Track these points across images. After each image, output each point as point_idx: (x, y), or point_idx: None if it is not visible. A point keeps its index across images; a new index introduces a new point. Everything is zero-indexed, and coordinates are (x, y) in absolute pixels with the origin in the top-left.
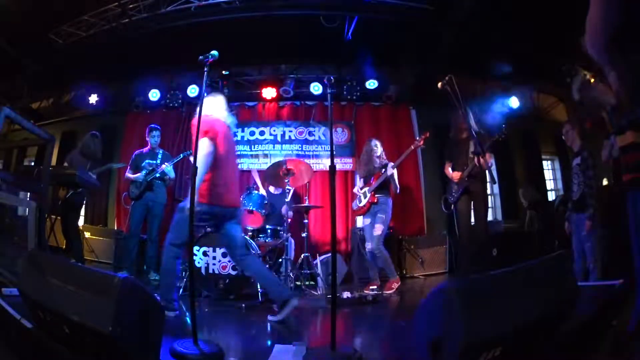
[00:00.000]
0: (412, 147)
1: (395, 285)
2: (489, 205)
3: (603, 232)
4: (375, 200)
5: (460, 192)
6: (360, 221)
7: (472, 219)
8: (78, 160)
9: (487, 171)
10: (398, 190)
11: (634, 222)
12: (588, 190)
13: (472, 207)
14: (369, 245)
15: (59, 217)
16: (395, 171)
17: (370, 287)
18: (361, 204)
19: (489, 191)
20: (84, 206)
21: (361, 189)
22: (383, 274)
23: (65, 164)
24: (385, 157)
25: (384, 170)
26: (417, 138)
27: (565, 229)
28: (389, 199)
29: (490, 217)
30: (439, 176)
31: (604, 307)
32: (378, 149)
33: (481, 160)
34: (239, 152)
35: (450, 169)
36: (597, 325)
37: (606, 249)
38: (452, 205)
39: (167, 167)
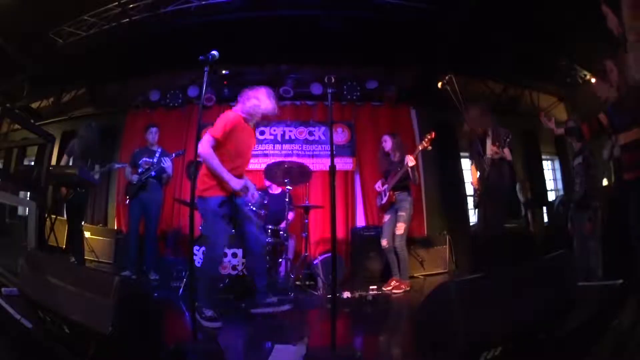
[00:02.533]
0: (420, 147)
1: (404, 287)
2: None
3: (604, 231)
4: (394, 199)
5: (481, 193)
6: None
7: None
8: (76, 153)
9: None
10: (417, 182)
11: (636, 219)
12: (590, 189)
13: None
14: (384, 242)
15: (59, 217)
16: (414, 162)
17: (392, 284)
18: (383, 202)
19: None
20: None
21: (382, 185)
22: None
23: (65, 158)
24: (400, 151)
25: (400, 167)
26: (424, 139)
27: (568, 228)
28: (409, 196)
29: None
30: (439, 176)
31: (604, 307)
32: (387, 143)
33: (494, 149)
34: None
35: (473, 169)
36: (597, 325)
37: (608, 249)
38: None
39: (164, 162)
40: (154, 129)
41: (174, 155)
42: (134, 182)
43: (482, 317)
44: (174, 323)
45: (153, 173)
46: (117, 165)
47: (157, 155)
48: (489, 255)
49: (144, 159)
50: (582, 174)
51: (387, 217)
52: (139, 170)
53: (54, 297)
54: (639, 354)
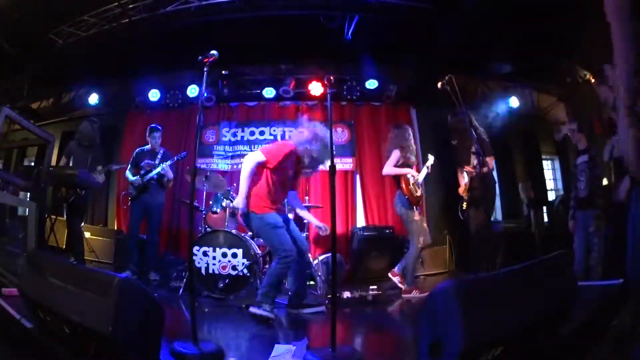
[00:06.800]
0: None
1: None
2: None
3: (608, 230)
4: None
5: (467, 201)
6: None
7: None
8: (76, 152)
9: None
10: None
11: (634, 218)
12: (596, 188)
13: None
14: (422, 241)
15: (59, 217)
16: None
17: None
18: (418, 194)
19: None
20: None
21: (413, 176)
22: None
23: (64, 159)
24: None
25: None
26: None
27: (569, 227)
28: None
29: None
30: (439, 175)
31: (604, 307)
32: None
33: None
34: (238, 153)
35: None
36: (597, 325)
37: (610, 248)
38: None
39: (165, 168)
40: (157, 133)
41: (176, 158)
42: (136, 184)
43: (482, 317)
44: (174, 323)
45: (155, 176)
46: (115, 167)
47: (159, 157)
48: (487, 255)
49: (147, 160)
50: (587, 173)
51: (417, 214)
52: (141, 171)
53: (54, 297)
54: (638, 353)
